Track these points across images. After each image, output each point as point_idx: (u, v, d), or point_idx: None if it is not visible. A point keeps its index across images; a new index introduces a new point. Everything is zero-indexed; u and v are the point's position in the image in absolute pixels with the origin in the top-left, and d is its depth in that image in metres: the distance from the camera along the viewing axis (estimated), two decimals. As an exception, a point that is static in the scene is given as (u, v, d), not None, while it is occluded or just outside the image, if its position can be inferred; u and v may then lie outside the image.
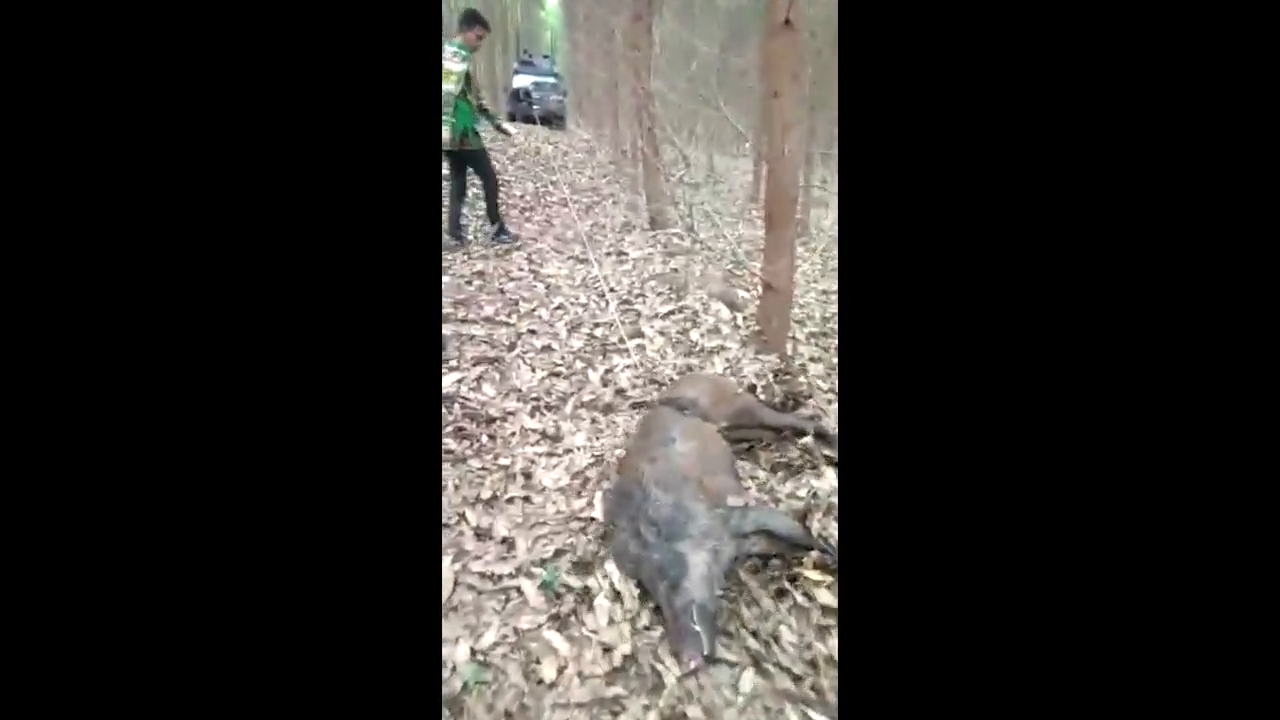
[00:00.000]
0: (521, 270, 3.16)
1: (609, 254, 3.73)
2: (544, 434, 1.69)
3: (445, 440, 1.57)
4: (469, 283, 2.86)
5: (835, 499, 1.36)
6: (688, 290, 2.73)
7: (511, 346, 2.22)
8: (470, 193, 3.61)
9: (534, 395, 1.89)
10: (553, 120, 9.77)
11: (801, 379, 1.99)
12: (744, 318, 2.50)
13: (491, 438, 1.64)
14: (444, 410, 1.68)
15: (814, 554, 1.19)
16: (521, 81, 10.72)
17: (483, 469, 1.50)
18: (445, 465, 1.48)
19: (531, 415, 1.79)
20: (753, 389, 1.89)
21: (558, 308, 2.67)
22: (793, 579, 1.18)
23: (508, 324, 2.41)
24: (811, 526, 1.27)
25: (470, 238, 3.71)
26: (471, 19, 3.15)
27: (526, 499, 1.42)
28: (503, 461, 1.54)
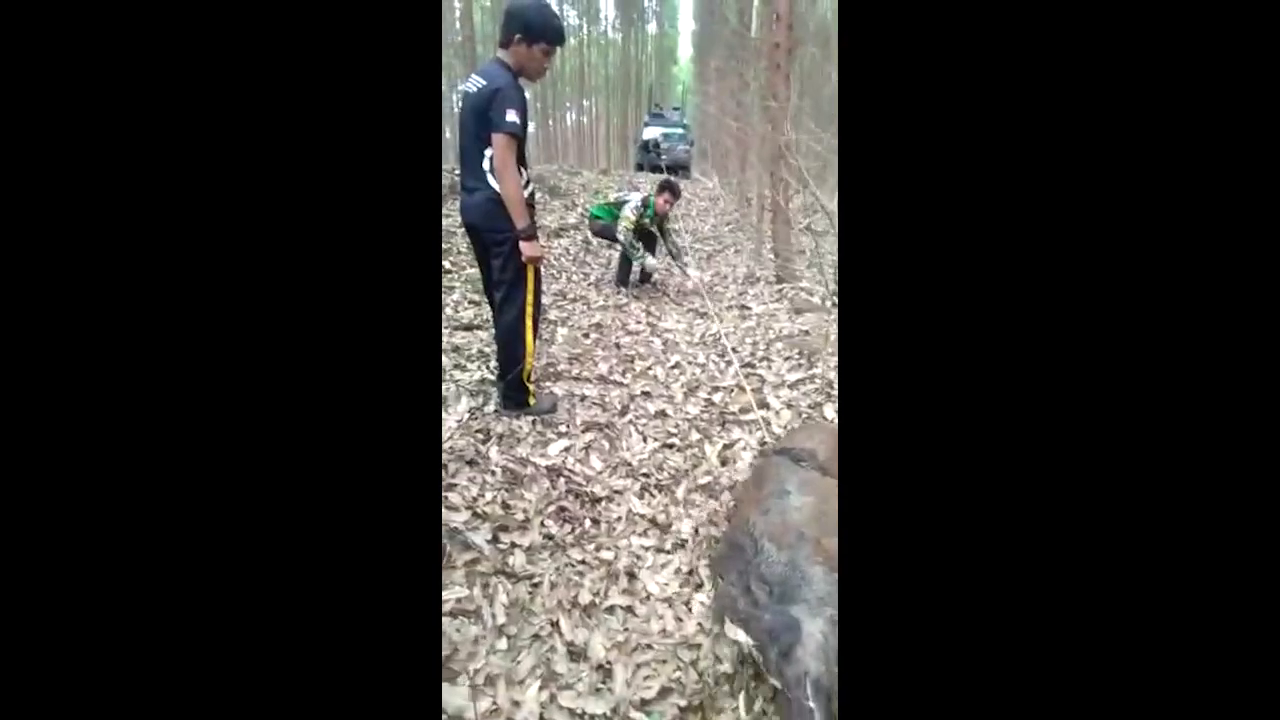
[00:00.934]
0: (639, 323, 3.06)
1: (730, 308, 3.53)
2: (653, 522, 1.50)
3: (545, 523, 1.42)
4: (585, 336, 2.80)
5: None
6: (820, 356, 2.44)
7: (624, 410, 2.07)
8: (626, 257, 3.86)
9: (644, 470, 1.71)
10: (678, 169, 10.00)
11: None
12: (888, 393, 2.16)
13: (595, 522, 1.47)
14: (549, 486, 1.55)
15: None
16: (651, 133, 11.20)
17: (583, 562, 1.33)
18: (543, 555, 1.33)
19: (641, 496, 1.60)
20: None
21: (674, 367, 2.50)
22: None
23: (621, 384, 2.28)
24: None
25: (625, 291, 3.72)
26: (666, 187, 3.72)
27: (629, 609, 1.22)
28: (605, 555, 1.36)
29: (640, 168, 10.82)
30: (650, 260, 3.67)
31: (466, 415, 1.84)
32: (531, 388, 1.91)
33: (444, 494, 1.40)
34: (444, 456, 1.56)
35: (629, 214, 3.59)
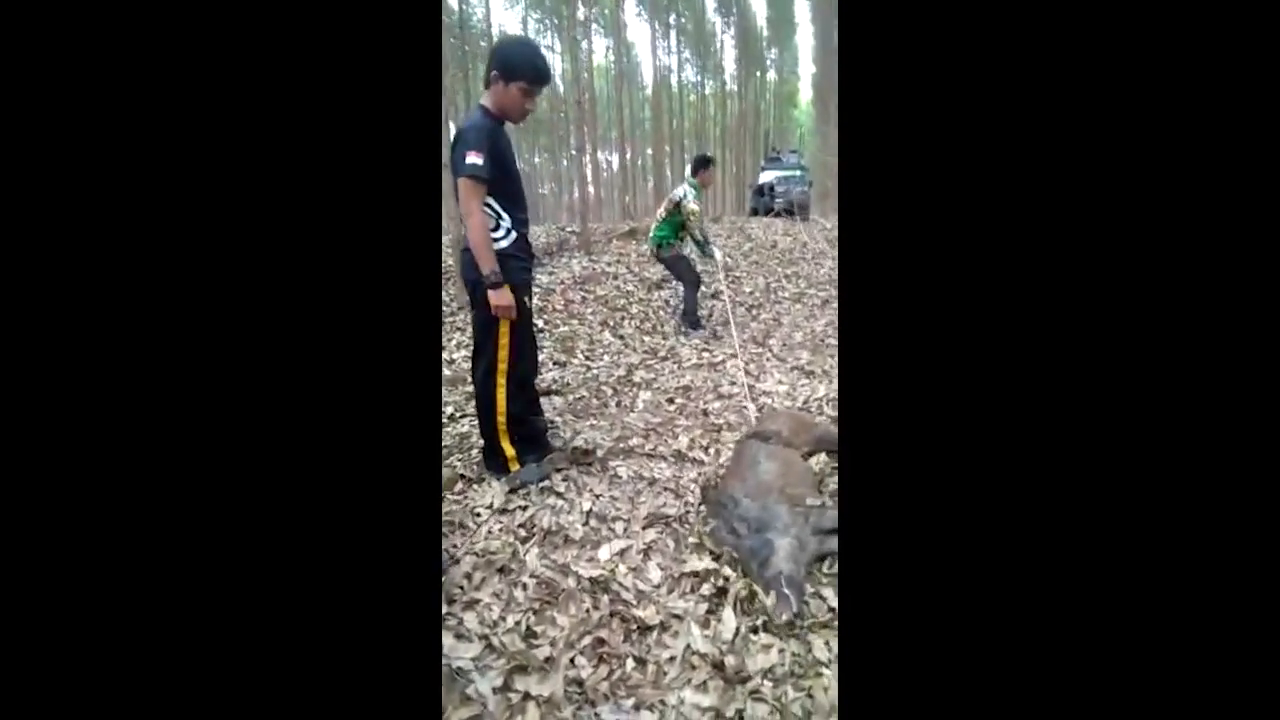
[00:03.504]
0: (734, 385, 2.73)
1: (845, 365, 3.08)
2: (718, 667, 1.15)
3: (576, 660, 1.14)
4: (670, 401, 2.53)
5: None
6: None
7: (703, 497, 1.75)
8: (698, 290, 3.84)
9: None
10: (796, 211, 9.64)
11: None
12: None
13: (640, 663, 1.16)
14: (589, 606, 1.27)
15: None
16: (767, 177, 10.98)
17: (615, 729, 1.02)
18: (564, 714, 1.04)
19: (705, 624, 1.26)
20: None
21: (770, 440, 2.14)
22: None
23: (702, 462, 1.97)
24: None
25: (695, 337, 3.57)
26: (704, 162, 3.72)
27: (664, 818, 0.88)
28: (646, 717, 1.04)
29: (755, 212, 10.60)
30: (716, 252, 3.72)
31: (505, 495, 1.64)
32: (511, 451, 1.71)
33: (459, 615, 1.18)
34: (470, 561, 1.35)
35: (691, 205, 3.52)
